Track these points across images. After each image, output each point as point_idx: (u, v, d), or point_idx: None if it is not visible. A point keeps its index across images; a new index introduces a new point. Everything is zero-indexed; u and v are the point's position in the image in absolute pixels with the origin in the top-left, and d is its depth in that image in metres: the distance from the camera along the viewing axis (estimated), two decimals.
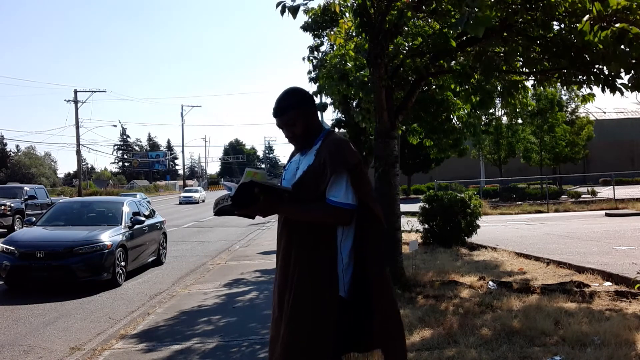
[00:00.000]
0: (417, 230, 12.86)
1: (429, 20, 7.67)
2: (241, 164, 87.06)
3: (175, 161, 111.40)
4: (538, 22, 5.95)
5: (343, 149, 2.45)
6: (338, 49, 8.22)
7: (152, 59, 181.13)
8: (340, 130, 10.96)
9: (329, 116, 51.96)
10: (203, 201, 46.44)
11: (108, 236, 8.95)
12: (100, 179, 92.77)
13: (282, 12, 5.58)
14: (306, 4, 5.96)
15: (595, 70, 5.98)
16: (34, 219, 10.74)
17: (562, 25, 6.11)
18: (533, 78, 7.42)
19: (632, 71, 4.97)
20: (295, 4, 5.61)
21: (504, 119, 21.17)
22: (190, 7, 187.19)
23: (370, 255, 2.44)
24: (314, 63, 10.42)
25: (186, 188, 57.85)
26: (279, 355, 2.41)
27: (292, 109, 2.53)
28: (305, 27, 10.38)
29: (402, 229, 8.15)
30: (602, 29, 4.47)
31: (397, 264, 7.17)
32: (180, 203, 44.84)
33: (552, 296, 6.34)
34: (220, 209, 2.50)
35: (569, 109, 35.27)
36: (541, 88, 7.89)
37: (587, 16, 4.54)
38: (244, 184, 2.35)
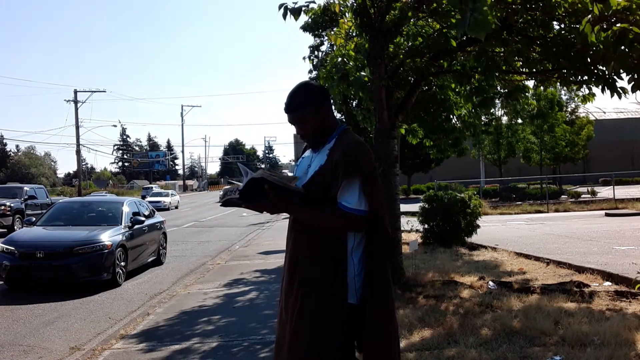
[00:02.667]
0: (417, 230, 12.86)
1: (429, 20, 7.66)
2: (241, 164, 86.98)
3: (175, 161, 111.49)
4: (538, 22, 5.95)
5: (357, 153, 2.33)
6: (338, 49, 8.21)
7: (152, 59, 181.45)
8: None
9: None
10: (176, 207, 37.20)
11: (108, 236, 8.95)
12: (100, 179, 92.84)
13: (285, 15, 5.55)
14: (308, 5, 5.96)
15: (595, 70, 5.98)
16: (34, 219, 10.73)
17: (562, 26, 6.11)
18: (533, 78, 7.42)
19: (633, 72, 4.97)
20: (297, 5, 5.61)
21: (504, 119, 21.18)
22: (191, 8, 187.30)
23: (375, 263, 2.35)
24: (314, 63, 10.42)
25: (153, 191, 44.05)
26: (286, 359, 2.36)
27: (304, 106, 2.40)
28: (306, 27, 10.38)
29: (402, 229, 8.15)
30: (602, 29, 4.46)
31: (397, 264, 7.17)
32: None
33: (552, 296, 6.34)
34: (227, 200, 2.42)
35: (569, 109, 35.32)
36: (541, 88, 7.89)
37: (588, 16, 4.53)
38: (254, 179, 2.27)
